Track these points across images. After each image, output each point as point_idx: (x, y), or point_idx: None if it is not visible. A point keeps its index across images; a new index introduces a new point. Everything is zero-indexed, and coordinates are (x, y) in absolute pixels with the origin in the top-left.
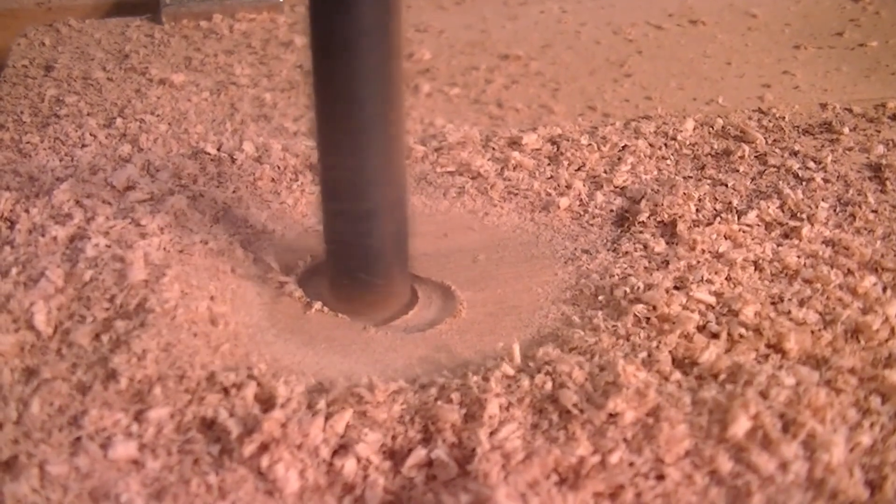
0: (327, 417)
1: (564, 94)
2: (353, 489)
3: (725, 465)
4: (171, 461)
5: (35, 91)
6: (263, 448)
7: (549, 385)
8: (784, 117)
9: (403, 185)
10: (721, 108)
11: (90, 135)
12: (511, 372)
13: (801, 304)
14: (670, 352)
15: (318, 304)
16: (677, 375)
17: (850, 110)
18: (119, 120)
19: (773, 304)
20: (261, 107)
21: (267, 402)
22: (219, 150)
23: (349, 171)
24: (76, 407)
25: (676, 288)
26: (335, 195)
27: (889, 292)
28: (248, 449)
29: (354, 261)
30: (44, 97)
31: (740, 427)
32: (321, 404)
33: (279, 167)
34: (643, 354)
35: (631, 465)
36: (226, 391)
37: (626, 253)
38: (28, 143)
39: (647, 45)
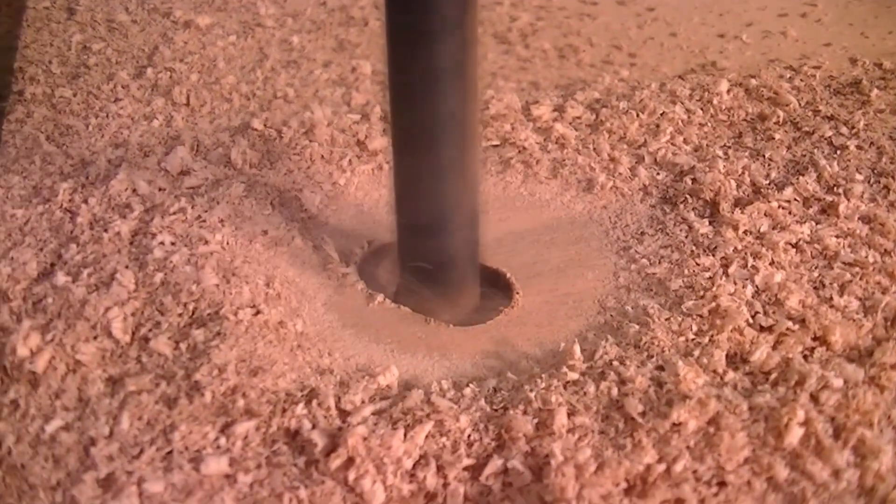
0: (406, 429)
1: (589, 32)
2: (436, 497)
3: (782, 472)
4: (260, 475)
5: (60, 37)
6: (350, 462)
7: (614, 391)
8: (815, 76)
9: (476, 202)
10: (751, 61)
11: (121, 87)
12: (575, 376)
13: (842, 289)
14: (722, 348)
15: (380, 297)
16: (731, 375)
17: (880, 65)
18: (149, 70)
19: (815, 289)
20: (289, 51)
21: (346, 412)
22: (265, 125)
23: (426, 200)
24: (164, 421)
25: (725, 274)
26: (410, 215)
27: None
28: (335, 463)
29: (426, 273)
30: (70, 44)
31: (794, 436)
32: (398, 413)
33: (328, 143)
34: (697, 352)
35: (694, 472)
36: (306, 401)
37: (672, 235)
38: (61, 97)
39: None
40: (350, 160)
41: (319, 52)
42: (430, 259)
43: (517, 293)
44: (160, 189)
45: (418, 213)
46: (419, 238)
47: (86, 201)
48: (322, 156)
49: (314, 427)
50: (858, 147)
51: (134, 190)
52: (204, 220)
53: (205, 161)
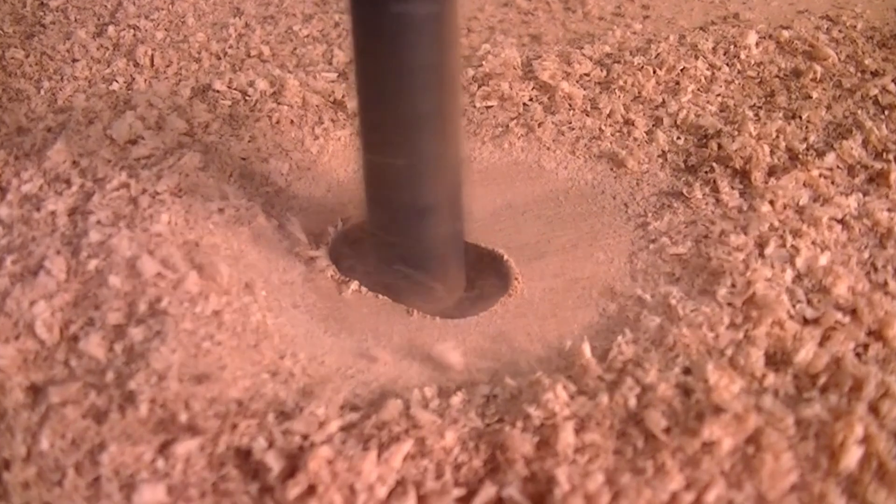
0: (380, 449)
1: None
2: None
3: (837, 502)
4: None
5: None
6: (311, 490)
7: (631, 401)
8: (855, 27)
9: (460, 176)
10: (778, 13)
11: (80, 47)
12: (585, 382)
13: None
14: (760, 346)
15: (354, 284)
16: (771, 379)
17: None
18: (111, 28)
19: (866, 273)
20: (266, 5)
21: (309, 426)
22: (229, 86)
23: (400, 167)
24: (92, 439)
25: (760, 256)
26: (383, 192)
27: None
28: (293, 492)
29: (405, 261)
30: (25, 1)
31: (852, 457)
32: (371, 428)
33: (299, 106)
34: (731, 351)
35: (730, 503)
36: (261, 414)
37: (696, 209)
38: (12, 58)
39: None
40: (324, 125)
41: (299, 5)
42: (405, 238)
43: (516, 279)
44: (104, 160)
45: (388, 179)
46: (390, 214)
47: (17, 175)
48: (292, 120)
49: (270, 446)
50: None
51: (74, 162)
52: (151, 197)
53: (157, 128)
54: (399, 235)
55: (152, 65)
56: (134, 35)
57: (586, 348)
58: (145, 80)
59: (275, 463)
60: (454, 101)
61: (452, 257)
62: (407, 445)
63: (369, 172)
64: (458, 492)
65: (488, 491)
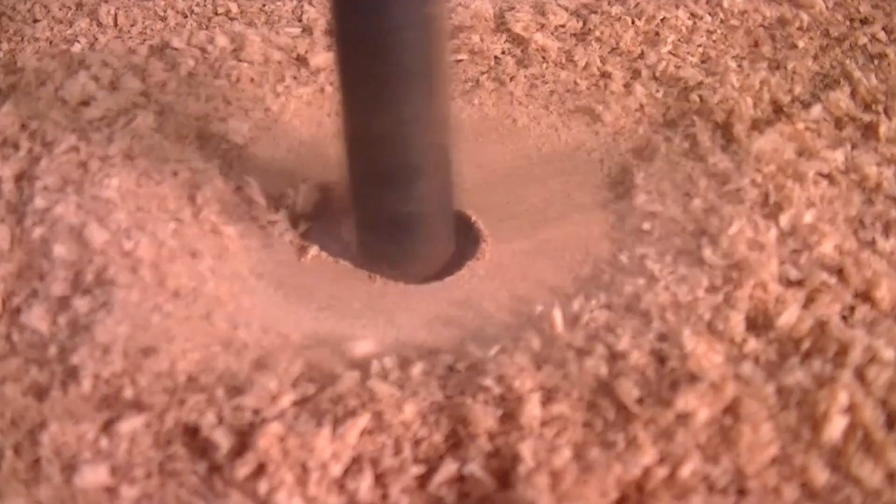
0: (335, 424)
1: None
2: None
3: (820, 475)
4: (150, 486)
5: None
6: (261, 469)
7: (602, 370)
8: None
9: (448, 137)
10: None
11: (41, 6)
12: (553, 350)
13: (887, 230)
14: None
15: (314, 249)
16: (752, 344)
17: None
18: None
19: (853, 231)
20: None
21: (260, 401)
22: (188, 43)
23: (384, 130)
24: (32, 418)
25: (741, 214)
26: (368, 154)
27: None
28: (243, 471)
29: (390, 228)
30: None
31: (836, 427)
32: (326, 402)
33: (260, 63)
34: (709, 315)
35: (706, 477)
36: (211, 389)
37: (675, 165)
38: None
39: None
40: (286, 82)
41: None
42: (393, 210)
43: (484, 241)
44: (55, 123)
45: (373, 140)
46: (377, 185)
47: None
48: (252, 78)
49: (220, 423)
50: None
51: (23, 125)
52: (101, 160)
53: (111, 88)
54: (386, 199)
55: (116, 24)
56: None
57: (557, 314)
58: (108, 41)
59: (224, 440)
60: (441, 58)
61: (441, 222)
62: (363, 420)
63: (352, 134)
64: (417, 469)
65: (449, 468)
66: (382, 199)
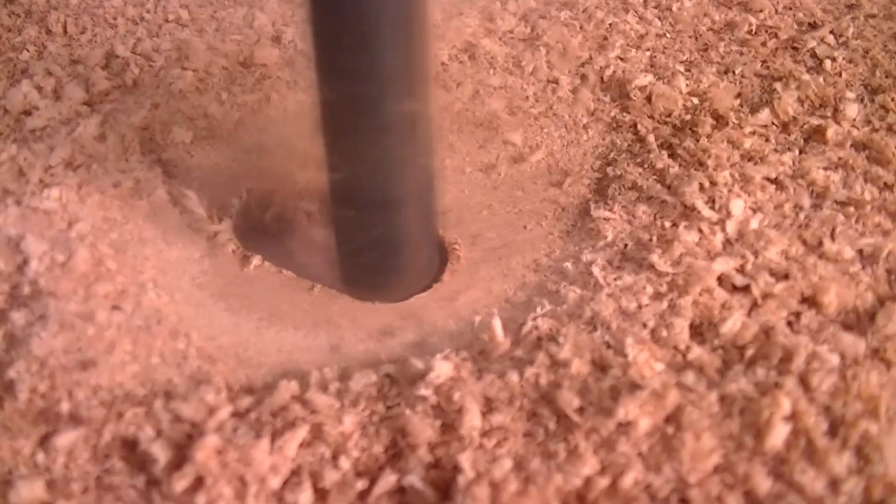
0: (274, 437)
1: None
2: None
3: (763, 483)
4: (87, 501)
5: None
6: (199, 483)
7: (543, 379)
8: None
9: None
10: None
11: None
12: (494, 361)
13: (834, 235)
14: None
15: (256, 259)
16: (696, 351)
17: None
18: None
19: (800, 237)
20: None
21: (198, 413)
22: (133, 51)
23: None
24: None
25: (687, 219)
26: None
27: None
28: (180, 485)
29: (372, 256)
30: None
31: (778, 435)
32: (265, 415)
33: (204, 70)
34: (652, 323)
35: (647, 487)
36: (149, 401)
37: (622, 171)
38: None
39: None
40: (230, 91)
41: None
42: (374, 236)
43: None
44: None
45: (357, 173)
46: (358, 210)
47: None
48: (196, 86)
49: (158, 436)
50: (848, 59)
51: None
52: (42, 170)
53: (54, 97)
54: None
55: (65, 32)
56: (47, 1)
57: (496, 324)
58: (57, 50)
59: (161, 453)
60: (424, 55)
61: (424, 244)
62: (302, 432)
63: (331, 160)
64: (359, 483)
65: (388, 479)
66: (361, 222)
